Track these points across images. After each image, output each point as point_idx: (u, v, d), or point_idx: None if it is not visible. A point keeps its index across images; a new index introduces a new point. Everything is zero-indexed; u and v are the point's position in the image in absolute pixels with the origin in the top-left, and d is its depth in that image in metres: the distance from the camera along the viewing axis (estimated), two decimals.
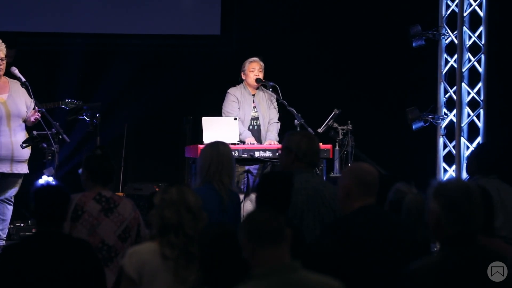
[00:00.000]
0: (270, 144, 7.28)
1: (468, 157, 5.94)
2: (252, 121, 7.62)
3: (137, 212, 4.76)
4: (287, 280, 2.99)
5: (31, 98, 7.03)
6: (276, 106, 7.69)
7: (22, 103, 7.04)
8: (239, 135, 7.35)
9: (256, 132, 7.56)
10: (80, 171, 4.78)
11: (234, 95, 7.59)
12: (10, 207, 7.03)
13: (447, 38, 8.53)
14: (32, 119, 7.01)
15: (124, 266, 3.66)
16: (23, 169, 7.03)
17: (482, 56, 8.33)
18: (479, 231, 3.22)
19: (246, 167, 7.32)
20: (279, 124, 7.66)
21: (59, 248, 3.82)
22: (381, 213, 4.08)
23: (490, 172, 5.56)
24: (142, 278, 3.63)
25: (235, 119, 7.20)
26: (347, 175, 4.13)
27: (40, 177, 7.40)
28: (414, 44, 8.43)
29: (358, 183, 4.04)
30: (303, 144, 4.89)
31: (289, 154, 4.92)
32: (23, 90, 7.05)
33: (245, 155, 7.04)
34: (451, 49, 8.51)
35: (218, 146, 5.06)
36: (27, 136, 7.03)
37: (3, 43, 7.01)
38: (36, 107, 7.01)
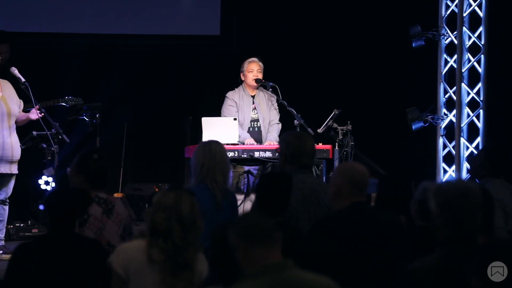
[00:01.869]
0: (270, 145, 7.28)
1: (475, 160, 5.86)
2: (252, 122, 7.61)
3: (129, 209, 4.77)
4: (280, 279, 3.01)
5: (31, 98, 7.01)
6: (277, 107, 7.67)
7: (15, 102, 7.03)
8: (238, 137, 7.35)
9: (256, 134, 7.54)
10: (68, 170, 4.77)
11: (232, 99, 7.56)
12: (6, 208, 7.02)
13: (447, 39, 8.53)
14: (35, 117, 6.98)
15: (112, 262, 3.65)
16: (16, 169, 7.03)
17: (482, 56, 8.33)
18: (477, 232, 3.22)
19: (246, 168, 7.31)
20: (280, 125, 7.65)
21: (73, 248, 3.86)
22: (370, 210, 4.15)
23: (499, 173, 5.56)
24: (129, 275, 3.62)
25: (235, 119, 7.19)
26: (338, 174, 4.21)
27: (40, 177, 7.41)
28: (414, 45, 8.43)
29: (349, 182, 4.11)
30: (291, 146, 4.94)
31: (281, 156, 5.00)
32: (14, 90, 7.03)
33: (245, 155, 7.04)
34: (451, 49, 8.51)
35: (211, 145, 5.06)
36: (17, 136, 7.01)
37: None
38: (38, 105, 7.00)
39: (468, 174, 8.18)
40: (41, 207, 3.96)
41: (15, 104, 7.01)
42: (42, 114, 6.97)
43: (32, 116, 7.01)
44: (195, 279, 3.67)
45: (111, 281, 3.68)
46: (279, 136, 7.34)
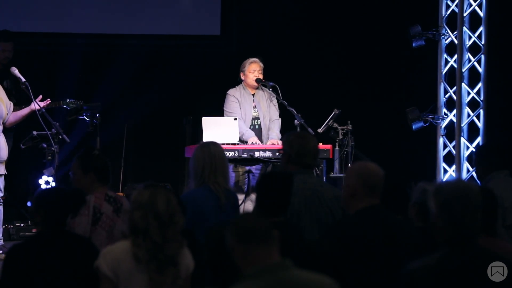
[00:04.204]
0: (273, 144, 7.27)
1: (478, 155, 5.85)
2: (253, 120, 7.63)
3: None
4: (279, 279, 3.01)
5: (32, 98, 7.00)
6: (276, 104, 7.70)
7: (2, 104, 6.99)
8: (242, 135, 7.35)
9: (257, 131, 7.57)
10: (71, 175, 4.75)
11: (234, 95, 7.59)
12: (1, 207, 6.99)
13: (447, 38, 8.53)
14: (36, 107, 6.93)
15: (99, 266, 3.60)
16: (3, 169, 6.99)
17: (482, 56, 8.32)
18: (478, 232, 3.21)
19: (247, 167, 7.31)
20: (280, 120, 7.68)
21: (66, 246, 3.86)
22: (385, 214, 4.06)
23: (502, 168, 5.53)
24: (118, 277, 3.58)
25: (235, 119, 7.20)
26: (352, 175, 4.10)
27: (40, 177, 7.41)
28: (414, 44, 8.43)
29: (363, 183, 4.02)
30: (295, 146, 4.89)
31: (284, 156, 4.95)
32: (3, 92, 7.00)
33: (245, 155, 7.04)
34: (451, 49, 8.50)
35: (209, 147, 5.02)
36: (5, 139, 6.98)
37: None
38: (40, 95, 6.99)
39: (468, 174, 8.20)
40: (29, 203, 3.97)
41: (2, 106, 6.95)
42: (49, 101, 6.94)
43: (33, 107, 6.96)
44: (181, 274, 3.65)
45: (100, 286, 3.62)
46: (282, 134, 7.34)
